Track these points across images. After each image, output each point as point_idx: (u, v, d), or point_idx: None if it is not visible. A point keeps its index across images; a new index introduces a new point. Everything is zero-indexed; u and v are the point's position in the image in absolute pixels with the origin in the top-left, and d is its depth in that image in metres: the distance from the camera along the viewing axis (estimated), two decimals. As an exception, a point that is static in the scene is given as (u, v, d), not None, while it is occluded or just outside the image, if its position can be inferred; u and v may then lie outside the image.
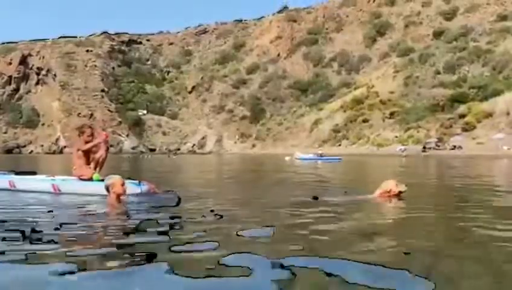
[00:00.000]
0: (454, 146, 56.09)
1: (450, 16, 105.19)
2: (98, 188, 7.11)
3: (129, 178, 7.96)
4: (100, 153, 8.04)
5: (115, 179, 6.75)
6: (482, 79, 73.73)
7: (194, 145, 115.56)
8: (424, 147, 58.02)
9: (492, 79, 72.34)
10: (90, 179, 7.81)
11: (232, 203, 6.92)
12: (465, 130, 62.28)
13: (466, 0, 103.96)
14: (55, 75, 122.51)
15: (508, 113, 61.37)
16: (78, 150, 8.04)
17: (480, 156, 41.71)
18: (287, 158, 34.49)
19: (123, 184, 6.65)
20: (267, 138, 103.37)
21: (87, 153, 8.01)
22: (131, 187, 7.41)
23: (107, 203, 6.65)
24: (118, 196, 6.58)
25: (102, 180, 7.35)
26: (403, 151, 56.90)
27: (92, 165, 7.97)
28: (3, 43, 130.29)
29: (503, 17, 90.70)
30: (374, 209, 6.13)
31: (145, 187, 7.73)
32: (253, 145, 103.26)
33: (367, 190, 7.36)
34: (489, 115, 63.00)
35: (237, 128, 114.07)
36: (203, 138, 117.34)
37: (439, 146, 58.61)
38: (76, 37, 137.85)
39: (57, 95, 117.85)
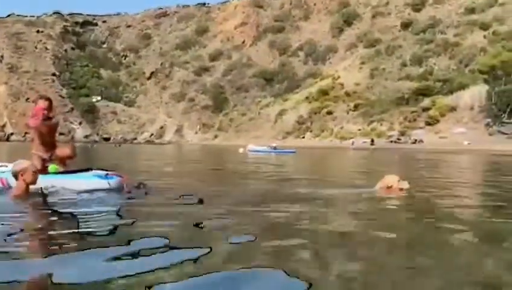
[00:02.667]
0: (416, 140, 57.66)
1: (418, 7, 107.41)
2: (54, 182, 6.33)
3: (88, 168, 6.90)
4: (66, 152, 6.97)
5: (25, 165, 6.19)
6: (448, 72, 75.78)
7: (152, 135, 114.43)
8: (372, 140, 59.82)
9: (458, 72, 74.40)
10: (45, 172, 6.66)
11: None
12: (428, 124, 63.72)
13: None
14: (2, 56, 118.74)
15: (472, 108, 63.21)
16: (32, 128, 6.72)
17: (437, 150, 42.96)
18: (240, 150, 34.78)
19: (35, 172, 6.03)
20: (229, 128, 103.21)
21: (49, 146, 6.80)
22: (96, 181, 6.40)
23: (11, 193, 5.93)
24: (28, 185, 5.95)
25: (63, 173, 6.67)
26: (352, 144, 58.99)
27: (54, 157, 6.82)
28: None
29: (471, 10, 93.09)
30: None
31: (114, 181, 6.46)
32: (215, 136, 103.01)
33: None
34: (453, 109, 64.71)
35: (198, 118, 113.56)
36: (161, 127, 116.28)
37: (400, 140, 60.16)
38: (26, 16, 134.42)
39: (4, 78, 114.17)
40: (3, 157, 20.20)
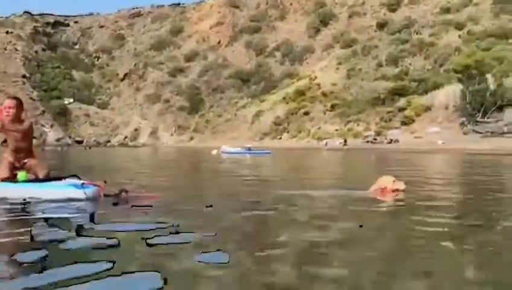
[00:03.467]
0: (391, 140, 58.27)
1: (394, 7, 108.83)
2: (24, 191, 5.88)
3: (63, 176, 6.32)
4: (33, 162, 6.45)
5: None
6: (423, 72, 76.92)
7: (126, 137, 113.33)
8: (345, 141, 60.43)
9: (433, 72, 75.55)
10: (13, 179, 6.21)
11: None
12: (404, 123, 64.55)
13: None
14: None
15: (446, 107, 64.18)
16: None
17: (412, 150, 43.50)
18: (213, 152, 34.50)
19: None
20: (205, 130, 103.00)
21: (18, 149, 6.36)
22: (70, 191, 5.88)
23: None
24: None
25: (34, 181, 6.22)
26: (326, 145, 59.53)
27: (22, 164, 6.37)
28: None
29: (446, 10, 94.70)
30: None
31: (90, 190, 5.93)
32: (191, 138, 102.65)
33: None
34: (428, 108, 65.62)
35: (174, 120, 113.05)
36: (136, 129, 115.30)
37: (376, 140, 60.72)
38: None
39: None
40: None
